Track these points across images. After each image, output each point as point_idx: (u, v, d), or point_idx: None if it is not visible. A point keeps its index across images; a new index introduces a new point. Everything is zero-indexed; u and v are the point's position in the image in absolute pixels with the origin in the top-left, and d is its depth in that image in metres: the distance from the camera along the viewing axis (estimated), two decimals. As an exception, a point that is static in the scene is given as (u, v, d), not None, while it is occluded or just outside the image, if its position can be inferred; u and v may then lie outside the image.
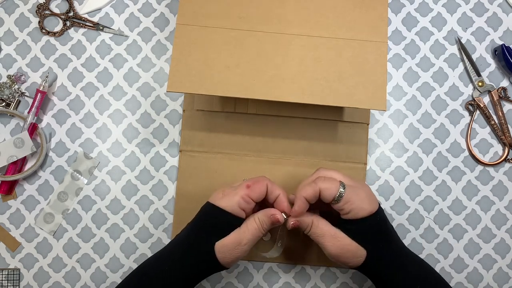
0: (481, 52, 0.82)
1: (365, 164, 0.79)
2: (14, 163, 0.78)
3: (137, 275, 0.65)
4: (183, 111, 0.80)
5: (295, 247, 0.78)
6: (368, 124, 0.79)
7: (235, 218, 0.63)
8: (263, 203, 0.67)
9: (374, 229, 0.64)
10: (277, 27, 0.65)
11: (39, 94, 0.78)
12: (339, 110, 0.79)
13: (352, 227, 0.63)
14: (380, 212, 0.65)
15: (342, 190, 0.62)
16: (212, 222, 0.64)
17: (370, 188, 0.66)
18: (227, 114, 0.79)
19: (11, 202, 0.80)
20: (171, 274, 0.63)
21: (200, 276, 0.65)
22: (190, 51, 0.64)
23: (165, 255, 0.66)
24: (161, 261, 0.65)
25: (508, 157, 0.80)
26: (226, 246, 0.62)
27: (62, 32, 0.82)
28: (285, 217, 0.64)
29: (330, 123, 0.79)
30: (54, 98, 0.81)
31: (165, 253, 0.66)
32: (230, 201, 0.63)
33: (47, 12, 0.82)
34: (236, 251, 0.63)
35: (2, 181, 0.78)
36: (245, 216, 0.64)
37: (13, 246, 0.79)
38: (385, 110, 0.64)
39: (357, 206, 0.62)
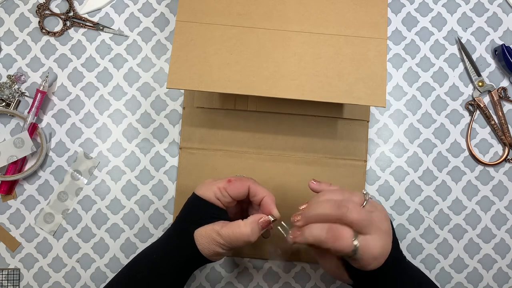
0: (481, 52, 0.82)
1: (365, 161, 0.79)
2: (14, 163, 0.78)
3: (131, 266, 0.65)
4: (183, 108, 0.80)
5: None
6: (368, 121, 0.79)
7: (213, 206, 0.63)
8: (250, 204, 0.67)
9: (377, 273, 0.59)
10: (277, 24, 0.65)
11: (39, 94, 0.79)
12: (339, 107, 0.79)
13: (355, 270, 0.59)
14: (391, 256, 0.58)
15: (356, 245, 0.55)
16: (191, 209, 0.64)
17: (388, 218, 0.60)
18: (227, 111, 0.79)
19: (11, 202, 0.80)
20: (160, 263, 0.63)
21: (188, 265, 0.63)
22: (190, 48, 0.64)
23: (156, 245, 0.66)
24: (152, 251, 0.65)
25: (508, 157, 0.80)
26: (203, 236, 0.61)
27: (62, 32, 0.82)
28: (272, 219, 0.62)
29: (330, 120, 0.79)
30: (54, 98, 0.81)
31: (157, 243, 0.66)
32: (207, 190, 0.63)
33: (47, 12, 0.82)
34: (213, 246, 0.61)
35: (2, 181, 0.78)
36: (222, 206, 0.63)
37: (13, 246, 0.79)
38: (384, 107, 0.64)
39: (368, 259, 0.56)
